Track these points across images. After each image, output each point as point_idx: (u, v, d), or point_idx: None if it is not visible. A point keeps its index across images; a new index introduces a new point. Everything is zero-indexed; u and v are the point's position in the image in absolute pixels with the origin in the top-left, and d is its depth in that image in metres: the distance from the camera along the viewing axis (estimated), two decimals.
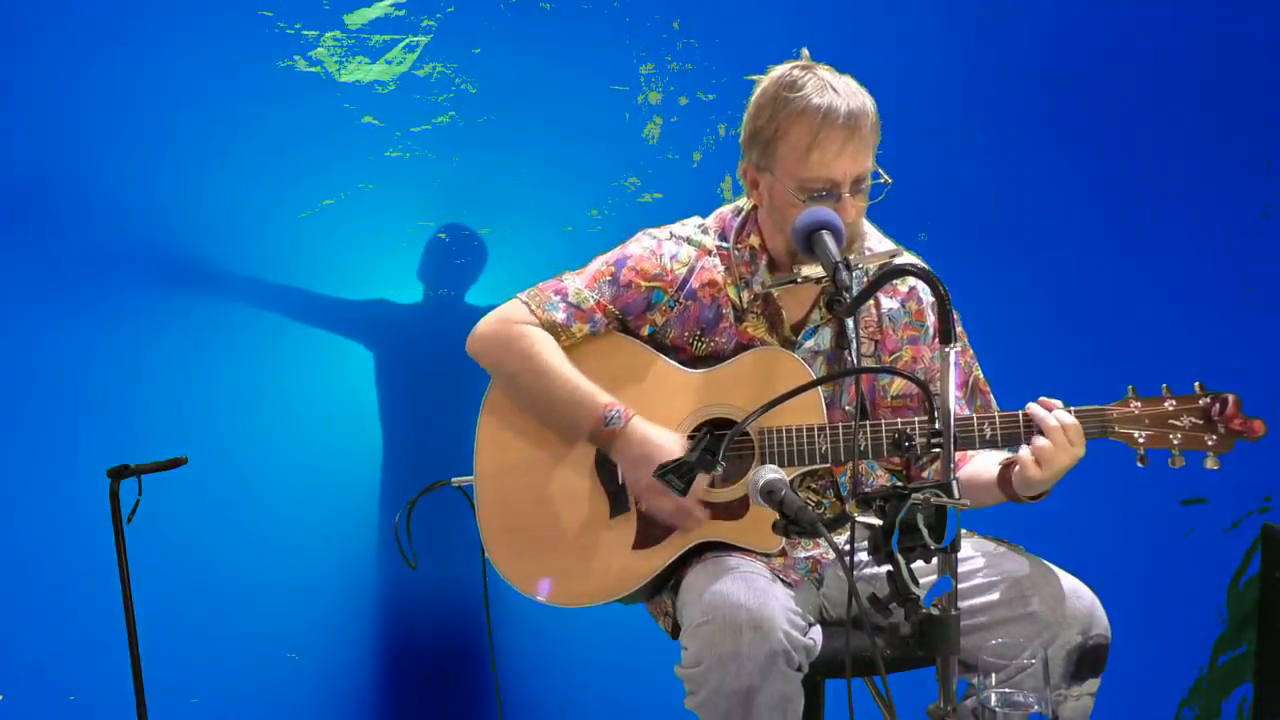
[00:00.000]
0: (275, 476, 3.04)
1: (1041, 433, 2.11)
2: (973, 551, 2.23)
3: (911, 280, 2.37)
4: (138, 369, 2.96)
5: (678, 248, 2.34)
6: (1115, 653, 2.16)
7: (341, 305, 3.09)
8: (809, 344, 2.32)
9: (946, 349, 1.75)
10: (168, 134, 2.95)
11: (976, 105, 3.34)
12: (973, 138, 3.34)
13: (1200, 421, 2.14)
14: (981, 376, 2.38)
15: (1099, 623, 2.15)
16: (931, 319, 2.37)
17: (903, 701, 1.97)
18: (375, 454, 3.13)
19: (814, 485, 2.36)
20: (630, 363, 2.34)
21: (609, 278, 2.34)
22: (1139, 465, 2.15)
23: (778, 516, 1.81)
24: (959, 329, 2.35)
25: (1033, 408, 2.15)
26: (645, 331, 2.35)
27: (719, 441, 1.99)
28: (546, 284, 2.37)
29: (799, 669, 2.07)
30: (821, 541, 2.23)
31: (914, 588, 1.68)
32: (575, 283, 2.35)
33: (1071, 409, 2.14)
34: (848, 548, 1.86)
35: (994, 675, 1.91)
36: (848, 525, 1.97)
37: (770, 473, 1.85)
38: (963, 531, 1.73)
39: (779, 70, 2.23)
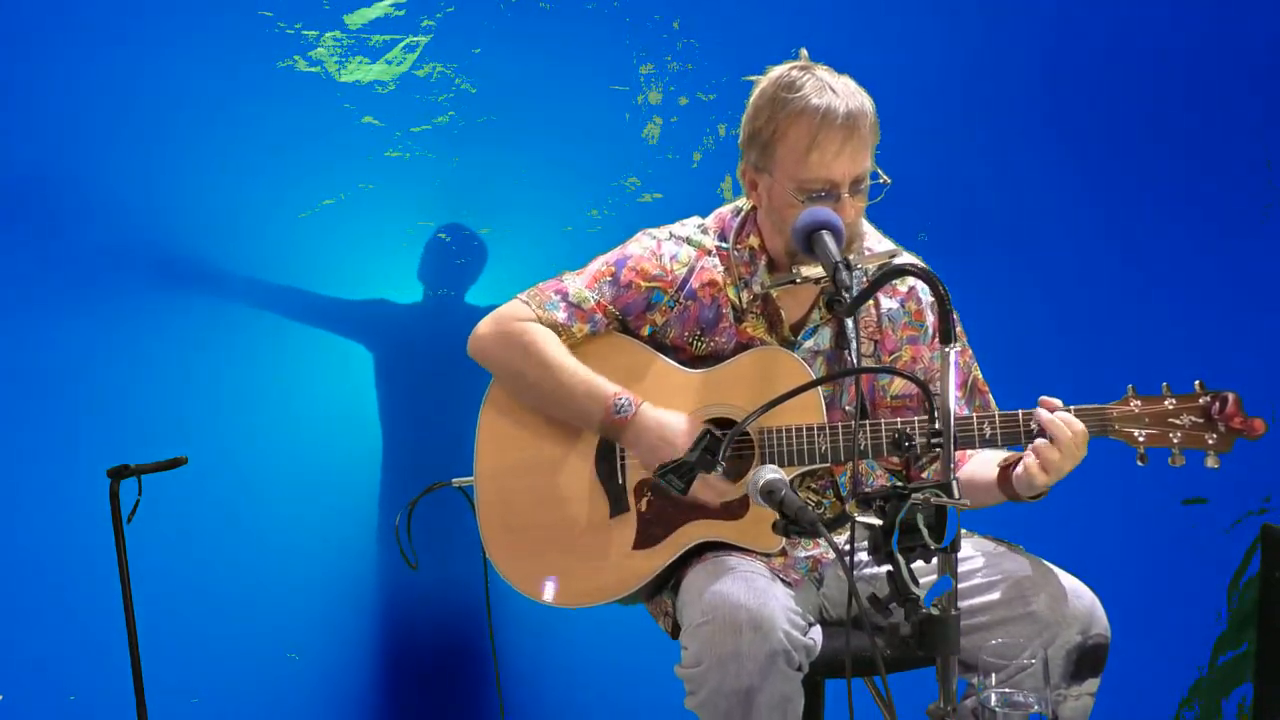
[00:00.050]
0: (275, 476, 3.04)
1: (1047, 436, 2.10)
2: (973, 551, 2.23)
3: (911, 280, 2.37)
4: (138, 369, 2.96)
5: (677, 248, 2.34)
6: (1115, 652, 2.16)
7: (341, 305, 3.09)
8: (809, 344, 2.32)
9: (946, 349, 1.75)
10: (168, 134, 2.95)
11: (976, 105, 3.34)
12: (973, 138, 3.34)
13: (1200, 420, 2.14)
14: (981, 376, 2.38)
15: (1099, 622, 2.14)
16: (931, 319, 2.37)
17: (903, 701, 1.97)
18: (375, 454, 3.13)
19: (814, 485, 2.36)
20: (630, 363, 2.34)
21: (609, 278, 2.34)
22: (1139, 464, 2.14)
23: (778, 516, 1.81)
24: (958, 329, 2.35)
25: (1044, 415, 2.12)
26: (645, 332, 2.35)
27: (719, 441, 1.99)
28: (547, 284, 2.37)
29: (799, 669, 2.07)
30: (821, 541, 2.22)
31: (914, 588, 1.67)
32: (575, 283, 2.35)
33: (1071, 408, 2.14)
34: (848, 548, 1.86)
35: (994, 675, 1.91)
36: (848, 525, 1.97)
37: (770, 473, 1.85)
38: (963, 531, 1.72)
39: (777, 71, 2.23)
